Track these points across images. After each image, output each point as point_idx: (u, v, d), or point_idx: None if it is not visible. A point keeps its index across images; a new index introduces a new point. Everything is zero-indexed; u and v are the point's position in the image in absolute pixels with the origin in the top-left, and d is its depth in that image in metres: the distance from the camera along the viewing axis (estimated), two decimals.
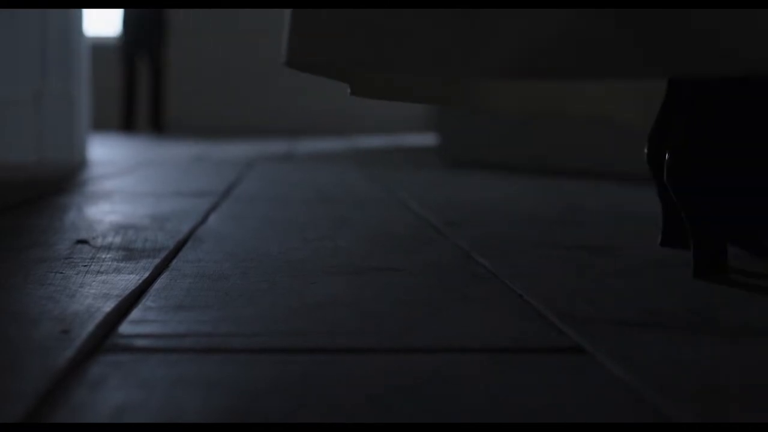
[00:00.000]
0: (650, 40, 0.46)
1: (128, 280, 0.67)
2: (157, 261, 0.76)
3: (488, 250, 0.85)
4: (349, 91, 0.81)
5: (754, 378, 0.43)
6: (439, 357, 0.47)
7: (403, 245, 0.87)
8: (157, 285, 0.66)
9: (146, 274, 0.70)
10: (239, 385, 0.42)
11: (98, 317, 0.55)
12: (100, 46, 6.21)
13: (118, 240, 0.89)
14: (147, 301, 0.60)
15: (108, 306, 0.58)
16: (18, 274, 0.70)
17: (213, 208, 1.19)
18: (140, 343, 0.49)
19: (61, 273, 0.70)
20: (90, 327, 0.52)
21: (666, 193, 0.76)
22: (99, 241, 0.88)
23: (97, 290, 0.63)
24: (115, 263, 0.75)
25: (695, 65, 0.44)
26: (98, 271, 0.71)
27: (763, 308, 0.59)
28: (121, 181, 1.63)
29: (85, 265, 0.74)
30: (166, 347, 0.48)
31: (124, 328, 0.53)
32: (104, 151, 2.84)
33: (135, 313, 0.56)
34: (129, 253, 0.81)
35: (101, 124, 6.27)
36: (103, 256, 0.79)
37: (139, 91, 6.30)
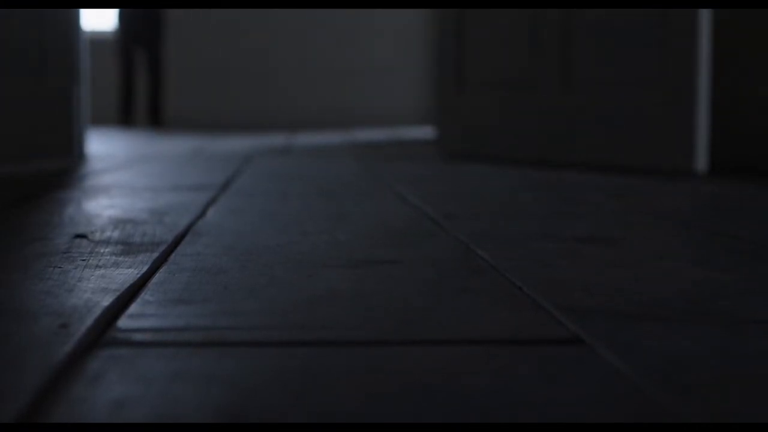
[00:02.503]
0: None
1: (127, 274, 0.67)
2: (155, 255, 0.76)
3: (487, 242, 0.85)
4: None
5: (754, 369, 0.43)
6: (439, 349, 0.47)
7: (403, 238, 0.87)
8: (155, 279, 0.66)
9: (145, 268, 0.70)
10: (238, 379, 0.41)
11: (97, 312, 0.55)
12: (97, 41, 6.20)
13: (116, 234, 0.89)
14: (145, 295, 0.60)
15: (107, 300, 0.58)
16: (17, 268, 0.69)
17: (211, 202, 1.19)
18: (139, 337, 0.49)
19: (60, 267, 0.70)
20: (89, 321, 0.52)
21: None
22: (97, 236, 0.88)
23: (95, 285, 0.63)
24: (113, 257, 0.75)
25: None
26: (97, 266, 0.71)
27: (763, 299, 0.59)
28: (120, 176, 1.63)
29: (83, 260, 0.74)
30: (164, 341, 0.48)
31: (123, 322, 0.52)
32: (103, 146, 2.84)
33: (134, 308, 0.56)
34: (127, 247, 0.81)
35: (99, 120, 6.26)
36: (102, 251, 0.79)
37: (138, 85, 6.27)
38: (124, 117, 5.34)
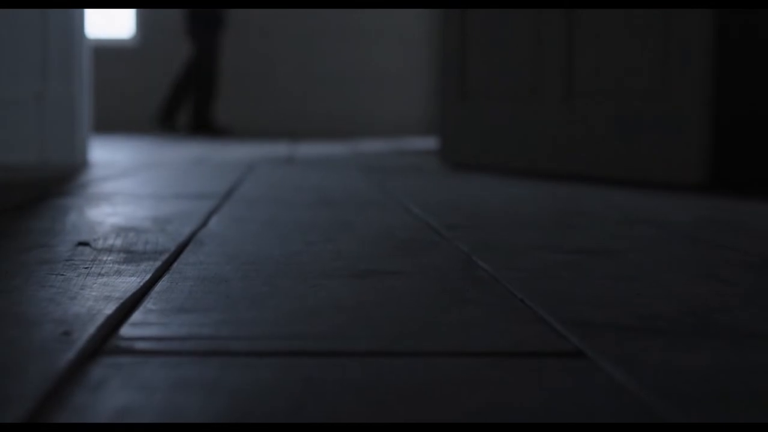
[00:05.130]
0: None
1: (129, 282, 0.67)
2: (158, 263, 0.76)
3: (489, 253, 0.85)
4: None
5: (756, 383, 0.43)
6: (440, 361, 0.47)
7: (405, 249, 0.87)
8: (158, 287, 0.66)
9: (147, 277, 0.70)
10: (240, 388, 0.41)
11: (99, 319, 0.55)
12: (106, 47, 6.22)
13: (119, 242, 0.89)
14: (148, 303, 0.60)
15: (109, 308, 0.58)
16: (19, 275, 0.70)
17: (214, 211, 1.19)
18: (141, 345, 0.49)
19: (62, 275, 0.70)
20: (91, 329, 0.52)
21: None
22: (100, 244, 0.88)
23: (98, 292, 0.63)
24: (116, 265, 0.75)
25: None
26: (99, 274, 0.71)
27: (763, 312, 0.59)
28: (122, 183, 1.63)
29: (86, 267, 0.74)
30: (167, 350, 0.48)
31: (125, 330, 0.53)
32: (105, 153, 2.85)
33: (136, 316, 0.56)
34: (130, 255, 0.81)
35: (105, 126, 6.27)
36: (104, 259, 0.79)
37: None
38: (164, 121, 5.00)
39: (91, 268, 0.74)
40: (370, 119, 6.35)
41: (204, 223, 1.05)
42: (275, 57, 6.27)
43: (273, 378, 0.43)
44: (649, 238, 0.97)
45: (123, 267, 0.74)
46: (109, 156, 2.69)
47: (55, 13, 2.19)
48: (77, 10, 2.23)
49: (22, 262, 0.76)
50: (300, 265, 0.77)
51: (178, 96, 5.11)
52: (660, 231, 1.04)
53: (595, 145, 1.91)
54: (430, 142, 4.52)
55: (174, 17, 6.21)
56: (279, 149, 3.40)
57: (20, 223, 1.03)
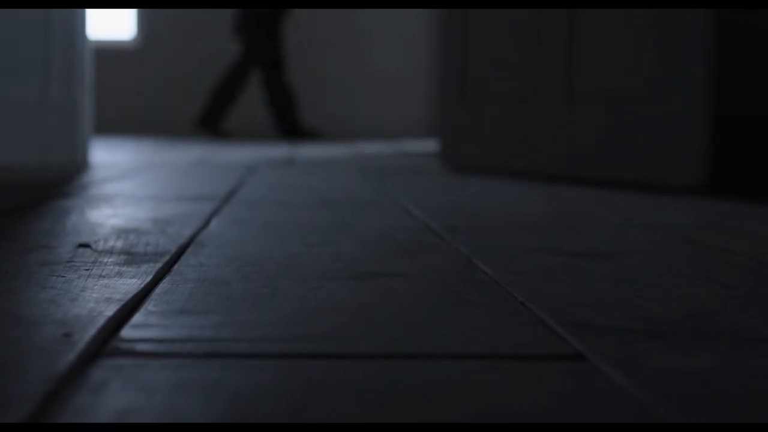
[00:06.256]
0: None
1: (130, 284, 0.68)
2: (158, 265, 0.76)
3: (489, 256, 0.85)
4: None
5: (756, 386, 0.43)
6: (440, 363, 0.47)
7: (405, 251, 0.87)
8: (158, 289, 0.66)
9: (148, 279, 0.70)
10: (241, 390, 0.42)
11: (100, 321, 0.55)
12: (110, 49, 6.22)
13: (119, 244, 0.89)
14: (149, 305, 0.60)
15: (110, 310, 0.58)
16: (20, 276, 0.70)
17: (215, 213, 1.19)
18: (142, 347, 0.49)
19: (63, 276, 0.70)
20: (92, 331, 0.52)
21: None
22: (101, 245, 0.88)
23: (98, 294, 0.63)
24: (116, 267, 0.75)
25: None
26: (100, 275, 0.71)
27: (764, 317, 0.59)
28: (123, 185, 1.63)
29: (87, 269, 0.74)
30: (167, 352, 0.48)
31: (126, 332, 0.53)
32: (106, 155, 2.85)
33: (137, 318, 0.56)
34: (131, 257, 0.81)
35: (107, 128, 6.27)
36: (105, 260, 0.79)
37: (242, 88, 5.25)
38: (207, 123, 4.69)
39: (92, 269, 0.74)
40: (370, 120, 6.35)
41: (205, 225, 1.06)
42: None
43: (273, 379, 0.43)
44: (649, 241, 0.97)
45: (124, 269, 0.75)
46: (109, 157, 2.69)
47: (57, 15, 2.20)
48: (79, 12, 2.23)
49: (23, 263, 0.76)
50: (300, 267, 0.77)
51: (222, 98, 4.76)
52: (660, 233, 1.04)
53: (594, 146, 1.91)
54: (430, 144, 4.52)
55: (176, 18, 6.21)
56: (280, 151, 3.40)
57: (21, 224, 1.04)
